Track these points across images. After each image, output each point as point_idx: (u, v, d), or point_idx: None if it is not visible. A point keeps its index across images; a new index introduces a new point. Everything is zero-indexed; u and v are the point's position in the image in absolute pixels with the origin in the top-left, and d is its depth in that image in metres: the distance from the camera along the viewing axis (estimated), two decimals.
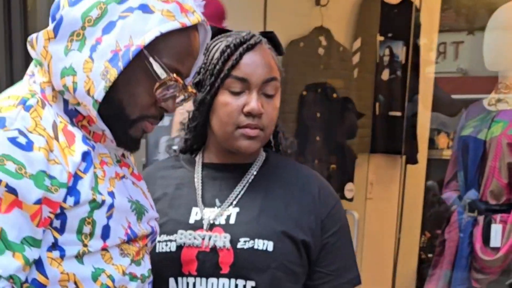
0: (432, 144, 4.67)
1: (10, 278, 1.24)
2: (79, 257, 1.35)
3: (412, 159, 4.32)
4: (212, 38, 1.68)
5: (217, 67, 1.65)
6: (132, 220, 1.44)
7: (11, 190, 1.23)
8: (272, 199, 1.71)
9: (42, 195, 1.26)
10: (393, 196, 4.24)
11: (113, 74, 1.31)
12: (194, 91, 1.45)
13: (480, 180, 3.26)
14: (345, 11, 4.25)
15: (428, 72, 4.45)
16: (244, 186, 1.73)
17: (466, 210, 3.30)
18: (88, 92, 1.32)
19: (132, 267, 1.44)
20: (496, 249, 3.18)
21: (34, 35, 1.37)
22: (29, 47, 1.40)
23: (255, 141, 1.67)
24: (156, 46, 1.32)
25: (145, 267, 1.50)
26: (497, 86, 3.32)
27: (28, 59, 1.42)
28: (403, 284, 4.19)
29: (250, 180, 1.74)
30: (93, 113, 1.34)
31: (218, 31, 1.74)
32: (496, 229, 3.17)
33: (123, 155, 1.51)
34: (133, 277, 1.44)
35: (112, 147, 1.44)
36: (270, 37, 1.75)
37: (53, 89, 1.37)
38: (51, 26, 1.36)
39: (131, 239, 1.44)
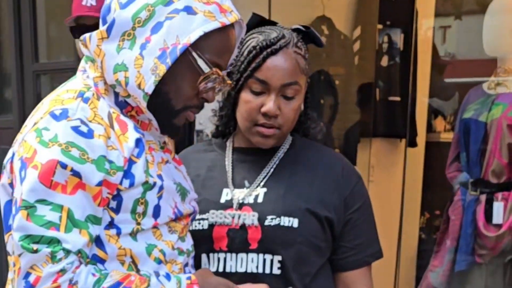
0: (429, 127, 4.74)
1: (79, 252, 1.37)
2: (133, 234, 1.48)
3: (411, 143, 4.40)
4: (255, 27, 1.81)
5: (243, 66, 1.75)
6: (178, 201, 1.58)
7: (76, 174, 1.37)
8: (297, 179, 1.82)
9: (103, 177, 1.40)
10: (394, 178, 4.33)
11: (162, 69, 1.44)
12: (230, 82, 1.59)
13: (481, 160, 3.33)
14: (346, 1, 4.35)
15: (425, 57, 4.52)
16: (271, 168, 1.83)
17: (469, 189, 3.37)
18: (139, 86, 1.45)
19: (179, 242, 1.58)
20: (498, 226, 3.25)
21: (87, 35, 1.51)
22: (81, 46, 1.54)
23: (270, 139, 1.78)
24: (199, 43, 1.46)
25: (189, 242, 1.64)
26: (496, 70, 3.40)
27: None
28: (405, 264, 4.29)
29: (277, 162, 1.84)
30: (143, 105, 1.48)
31: (261, 22, 1.83)
32: (498, 207, 3.25)
33: (164, 142, 1.63)
34: (180, 252, 1.58)
35: (157, 134, 1.57)
36: (307, 32, 1.83)
37: (105, 83, 1.51)
38: (104, 27, 1.49)
39: (177, 217, 1.57)
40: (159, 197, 1.51)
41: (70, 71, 3.86)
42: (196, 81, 1.50)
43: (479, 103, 3.42)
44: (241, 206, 1.79)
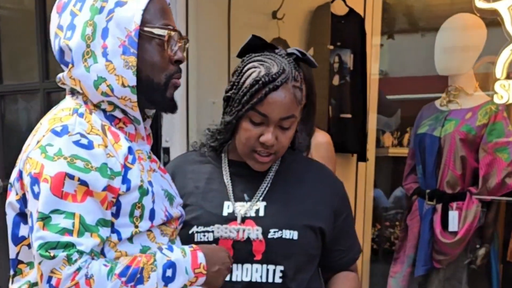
0: (378, 143, 4.89)
1: (91, 252, 1.50)
2: (131, 238, 1.61)
3: (362, 157, 4.57)
4: (255, 49, 1.90)
5: (245, 98, 1.83)
6: (167, 205, 1.73)
7: (83, 183, 1.50)
8: (292, 193, 1.94)
9: (107, 183, 1.53)
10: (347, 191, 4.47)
11: (133, 60, 1.60)
12: (186, 36, 1.73)
13: (437, 172, 3.51)
14: (299, 23, 4.48)
15: (373, 77, 4.70)
16: (268, 182, 1.95)
17: (426, 199, 3.54)
18: (123, 85, 1.60)
19: (169, 245, 1.70)
20: (454, 233, 3.43)
21: (60, 75, 1.67)
22: (60, 85, 1.69)
23: (265, 164, 1.92)
24: (144, 20, 1.62)
25: (178, 245, 1.76)
26: (447, 89, 3.58)
27: None
28: (359, 273, 4.41)
29: (272, 177, 1.96)
30: (134, 99, 1.62)
31: (262, 45, 1.91)
32: (453, 215, 3.43)
33: (151, 152, 1.77)
34: None
35: (143, 144, 1.72)
36: (304, 58, 1.91)
37: (92, 103, 1.64)
38: (68, 65, 1.63)
39: (168, 220, 1.71)
40: (153, 202, 1.65)
41: (35, 92, 3.92)
42: (163, 51, 1.65)
43: (433, 118, 3.60)
44: (243, 219, 1.89)
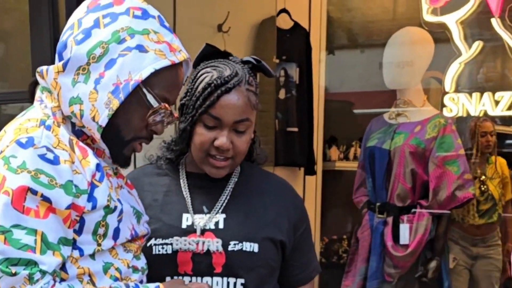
0: (325, 157, 4.92)
1: (54, 273, 1.44)
2: (92, 255, 1.56)
3: (310, 171, 4.59)
4: (209, 57, 1.89)
5: (198, 102, 1.80)
6: (134, 223, 1.68)
7: (46, 199, 1.44)
8: (252, 205, 1.91)
9: (71, 201, 1.47)
10: None
11: (115, 103, 1.53)
12: (177, 115, 1.68)
13: (387, 185, 3.52)
14: (244, 37, 4.47)
15: (320, 90, 4.74)
16: (227, 194, 1.91)
17: (376, 212, 3.54)
18: (93, 118, 1.54)
19: (134, 261, 1.68)
20: (406, 246, 3.43)
21: (44, 67, 1.58)
22: (38, 77, 1.61)
23: (222, 169, 1.87)
24: (149, 79, 1.55)
25: (143, 261, 1.73)
26: (395, 102, 3.59)
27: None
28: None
29: (231, 189, 1.92)
30: (97, 136, 1.56)
31: (216, 52, 1.91)
32: (404, 228, 3.43)
33: (117, 168, 1.72)
34: (135, 270, 1.68)
35: (109, 162, 1.66)
36: (259, 65, 1.89)
37: (62, 114, 1.58)
38: (60, 62, 1.56)
39: (133, 238, 1.66)
40: (119, 220, 1.60)
41: None
42: (146, 115, 1.58)
43: (382, 132, 3.61)
44: (203, 231, 1.85)
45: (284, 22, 4.62)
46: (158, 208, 1.90)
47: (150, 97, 1.56)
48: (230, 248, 1.83)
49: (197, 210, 1.90)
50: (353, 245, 3.79)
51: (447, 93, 3.22)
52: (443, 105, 3.27)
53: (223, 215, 1.88)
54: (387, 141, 3.54)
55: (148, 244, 1.85)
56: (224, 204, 1.90)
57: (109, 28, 1.54)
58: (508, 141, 4.65)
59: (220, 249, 1.83)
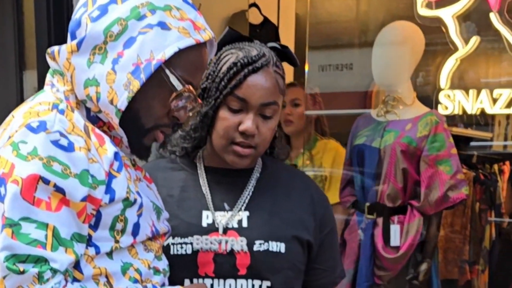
0: None
1: (66, 272, 1.32)
2: (110, 253, 1.43)
3: None
4: (232, 42, 1.78)
5: (222, 83, 1.71)
6: (154, 219, 1.55)
7: (59, 190, 1.31)
8: (277, 202, 1.81)
9: (87, 192, 1.34)
10: None
11: (136, 85, 1.41)
12: (201, 101, 1.56)
13: (377, 184, 3.43)
14: (215, 30, 4.27)
15: None
16: (250, 190, 1.81)
17: (366, 213, 3.45)
18: (111, 101, 1.41)
19: (155, 261, 1.55)
20: (397, 248, 3.35)
21: (55, 48, 1.46)
22: (48, 59, 1.48)
23: (245, 159, 1.75)
24: (172, 60, 1.43)
25: (165, 262, 1.61)
26: (384, 99, 3.50)
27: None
28: None
29: (254, 185, 1.82)
30: (116, 121, 1.43)
31: (239, 37, 1.81)
32: (394, 230, 3.34)
33: (134, 159, 1.59)
34: (156, 271, 1.55)
35: (127, 152, 1.52)
36: (285, 51, 1.81)
37: (76, 97, 1.45)
38: (74, 40, 1.44)
39: (154, 236, 1.54)
40: (139, 215, 1.48)
41: None
42: (168, 99, 1.47)
43: (370, 129, 3.52)
44: (225, 230, 1.75)
45: (254, 17, 4.61)
46: (175, 204, 1.79)
47: (173, 79, 1.44)
48: (255, 248, 1.73)
49: (217, 207, 1.79)
50: (339, 246, 3.67)
51: (442, 89, 3.13)
52: (437, 102, 3.19)
53: (247, 213, 1.78)
54: (376, 139, 3.45)
55: (165, 244, 1.72)
56: (247, 201, 1.80)
57: (127, 4, 1.42)
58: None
59: (245, 248, 1.73)
